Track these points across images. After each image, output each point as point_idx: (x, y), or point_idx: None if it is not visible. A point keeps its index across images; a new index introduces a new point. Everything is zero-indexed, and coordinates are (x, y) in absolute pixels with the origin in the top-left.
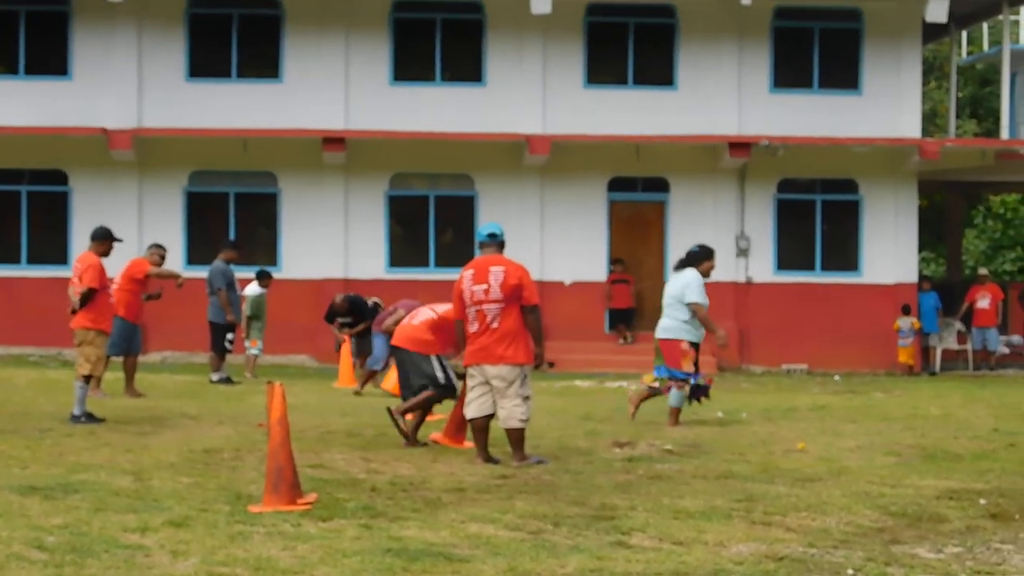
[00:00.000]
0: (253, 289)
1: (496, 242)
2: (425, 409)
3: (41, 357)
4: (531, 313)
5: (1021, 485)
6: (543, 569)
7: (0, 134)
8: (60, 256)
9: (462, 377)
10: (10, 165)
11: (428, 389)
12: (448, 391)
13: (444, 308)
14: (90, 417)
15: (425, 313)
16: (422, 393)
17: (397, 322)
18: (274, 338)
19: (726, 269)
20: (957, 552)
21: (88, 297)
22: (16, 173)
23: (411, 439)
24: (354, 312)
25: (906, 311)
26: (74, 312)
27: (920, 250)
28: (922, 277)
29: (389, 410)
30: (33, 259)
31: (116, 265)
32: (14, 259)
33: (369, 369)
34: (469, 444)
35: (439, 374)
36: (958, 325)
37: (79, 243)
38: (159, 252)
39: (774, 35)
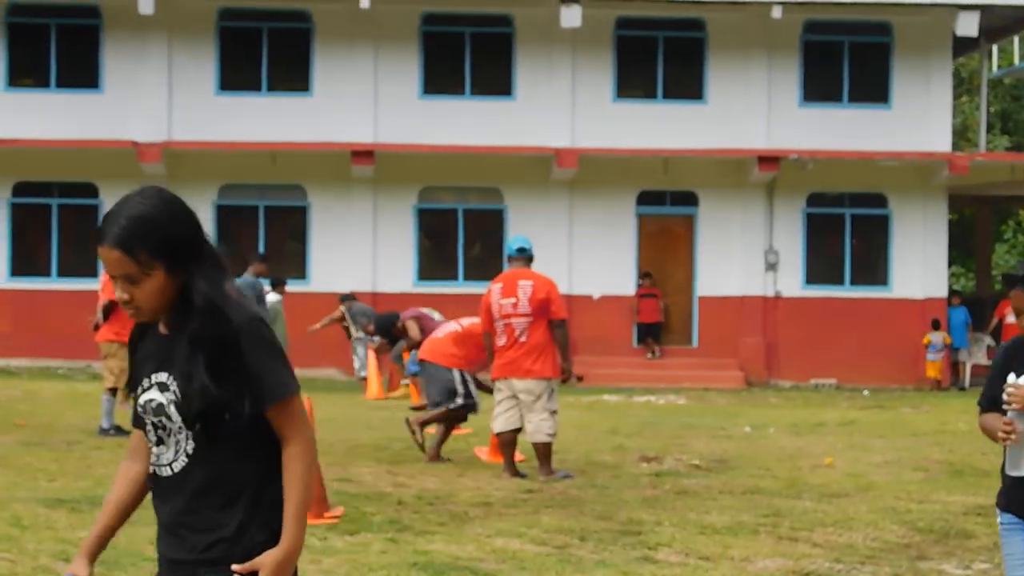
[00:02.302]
0: (270, 297)
1: (525, 256)
2: (448, 424)
3: (69, 370)
4: (559, 327)
5: None
6: None
7: (31, 147)
8: (90, 269)
9: (490, 391)
10: (41, 178)
11: (442, 405)
12: (467, 406)
13: (469, 322)
14: (118, 430)
15: (451, 327)
16: (437, 409)
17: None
18: (302, 351)
19: (754, 283)
20: (984, 568)
21: (110, 309)
22: (47, 186)
23: (432, 454)
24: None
25: (936, 326)
26: (97, 326)
27: (950, 265)
28: (953, 292)
29: (407, 420)
30: (63, 272)
31: None
32: (44, 272)
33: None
34: (520, 457)
35: (459, 388)
36: (988, 340)
37: None
38: None
39: (804, 49)
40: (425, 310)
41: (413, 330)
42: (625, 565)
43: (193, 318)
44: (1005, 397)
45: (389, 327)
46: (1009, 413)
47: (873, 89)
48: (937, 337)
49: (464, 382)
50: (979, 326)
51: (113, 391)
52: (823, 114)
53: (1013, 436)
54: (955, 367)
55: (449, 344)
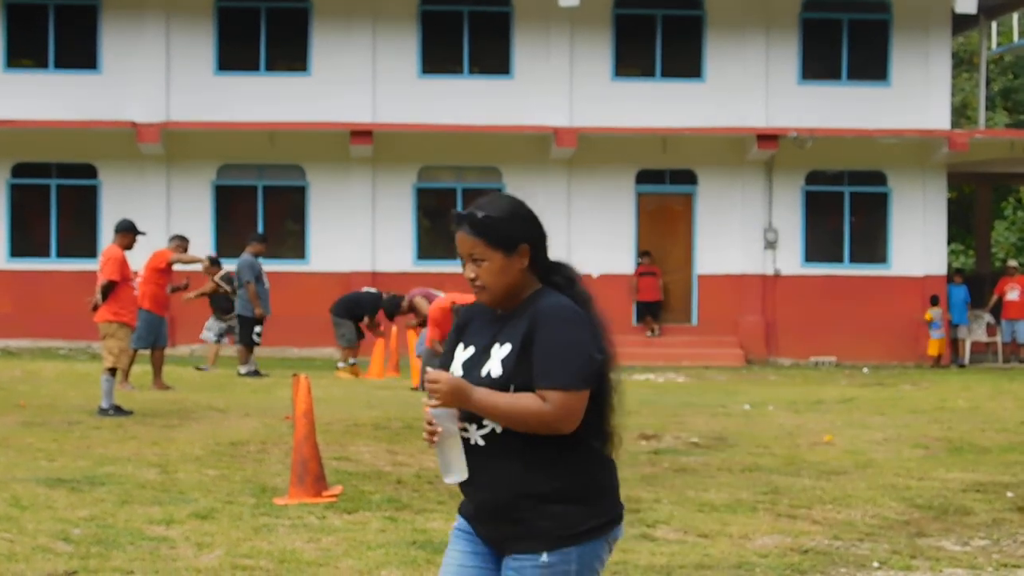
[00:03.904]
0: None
1: None
2: None
3: (70, 350)
4: None
5: None
6: None
7: (29, 128)
8: (89, 249)
9: None
10: (39, 159)
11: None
12: None
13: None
14: (118, 410)
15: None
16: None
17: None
18: (301, 331)
19: (754, 261)
20: (983, 545)
21: (109, 290)
22: (45, 167)
23: None
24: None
25: (935, 302)
26: (96, 306)
27: (949, 242)
28: (954, 270)
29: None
30: (62, 252)
31: (141, 258)
32: (44, 253)
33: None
34: None
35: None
36: (987, 317)
37: (108, 236)
38: (182, 244)
39: (802, 26)
40: (431, 291)
41: (422, 305)
42: (623, 543)
43: None
44: (427, 387)
45: (395, 308)
46: (431, 409)
47: (872, 67)
48: (936, 314)
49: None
50: (978, 303)
51: (112, 371)
52: (822, 92)
53: (435, 437)
54: (955, 344)
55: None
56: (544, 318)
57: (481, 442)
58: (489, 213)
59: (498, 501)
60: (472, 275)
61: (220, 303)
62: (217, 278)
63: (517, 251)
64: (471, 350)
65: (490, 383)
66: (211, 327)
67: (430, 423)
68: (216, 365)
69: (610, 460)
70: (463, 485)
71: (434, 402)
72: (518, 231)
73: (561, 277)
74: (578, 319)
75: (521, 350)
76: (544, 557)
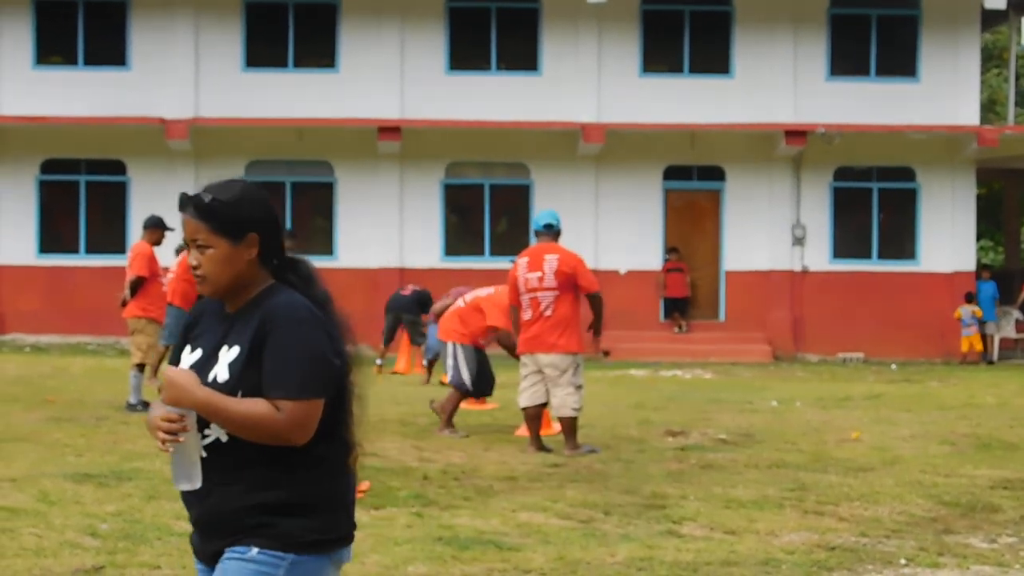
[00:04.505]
0: None
1: (552, 231)
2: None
3: (98, 346)
4: (596, 300)
5: None
6: (593, 558)
7: (59, 124)
8: (118, 246)
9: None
10: (69, 155)
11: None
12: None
13: (472, 296)
14: (145, 405)
15: (458, 303)
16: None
17: (446, 308)
18: None
19: (782, 258)
20: (1011, 542)
21: (137, 286)
22: (75, 163)
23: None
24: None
25: (969, 299)
26: (124, 302)
27: (978, 238)
28: (983, 266)
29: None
30: (91, 248)
31: (170, 254)
32: (73, 248)
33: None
34: (556, 429)
35: (448, 361)
36: (1016, 314)
37: (136, 232)
38: None
39: (831, 22)
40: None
41: (440, 302)
42: (650, 539)
43: None
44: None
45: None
46: (171, 407)
47: (901, 62)
48: (967, 311)
49: (454, 356)
50: (1007, 299)
51: (141, 367)
52: (851, 87)
53: (179, 437)
54: (983, 340)
55: (453, 319)
56: (275, 319)
57: (204, 453)
58: (217, 196)
59: (221, 514)
60: (195, 263)
61: None
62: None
63: (244, 240)
64: (198, 353)
65: (218, 389)
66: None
67: (171, 420)
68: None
69: (348, 473)
70: (187, 495)
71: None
72: (247, 218)
73: (296, 276)
74: (313, 320)
75: (250, 353)
76: (253, 551)
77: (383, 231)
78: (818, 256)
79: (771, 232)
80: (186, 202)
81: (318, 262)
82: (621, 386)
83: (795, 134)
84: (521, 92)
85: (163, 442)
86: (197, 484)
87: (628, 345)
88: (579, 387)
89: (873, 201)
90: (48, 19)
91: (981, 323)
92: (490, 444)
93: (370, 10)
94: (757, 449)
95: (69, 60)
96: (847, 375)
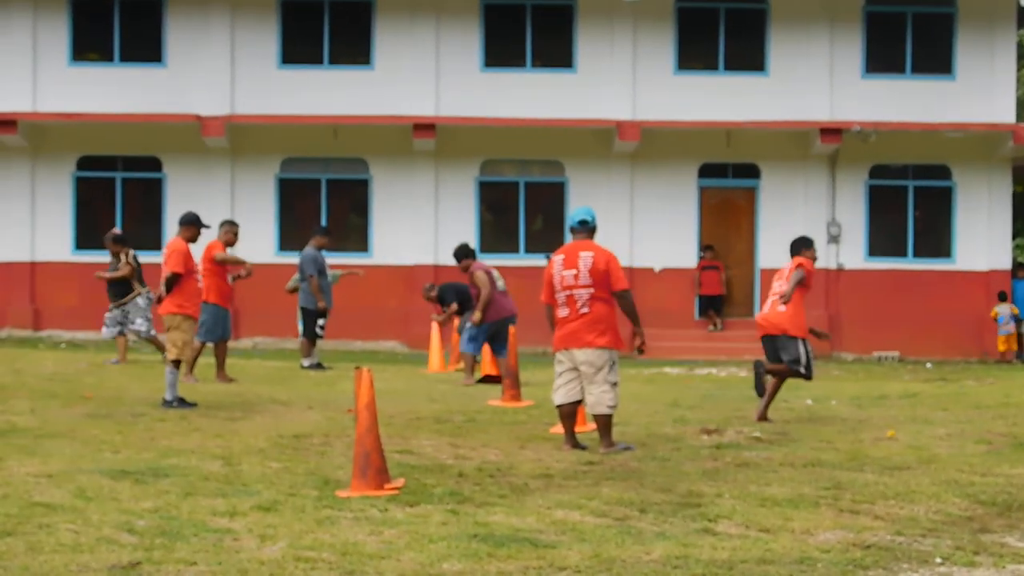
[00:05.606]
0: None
1: (587, 228)
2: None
3: (134, 343)
4: (622, 298)
5: None
6: (628, 556)
7: (95, 121)
8: (154, 242)
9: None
10: (105, 152)
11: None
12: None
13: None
14: (182, 402)
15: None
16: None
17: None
18: (364, 324)
19: (817, 255)
20: None
21: (173, 282)
22: (111, 160)
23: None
24: (442, 301)
25: (1003, 298)
26: (160, 299)
27: (1014, 236)
28: (1019, 264)
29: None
30: (127, 245)
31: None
32: None
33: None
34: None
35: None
36: None
37: (172, 229)
38: (232, 230)
39: (866, 20)
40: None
41: (482, 279)
42: (685, 537)
43: None
44: None
45: (464, 255)
46: None
47: (937, 60)
48: (1004, 309)
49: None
50: None
51: (177, 363)
52: (886, 85)
53: None
54: (1019, 339)
55: None
56: None
57: None
58: None
59: None
60: None
61: (115, 288)
62: (130, 258)
63: None
64: None
65: None
66: (108, 322)
67: None
68: (125, 359)
69: None
70: None
71: None
72: None
73: None
74: None
75: None
76: None
77: (418, 228)
78: (853, 254)
79: (806, 230)
80: None
81: (353, 259)
82: (656, 384)
83: (830, 132)
84: (556, 90)
85: None
86: None
87: (663, 343)
88: (615, 384)
89: (908, 199)
90: (84, 16)
91: (1017, 321)
92: (525, 442)
93: (405, 7)
94: (792, 447)
95: (105, 57)
96: (882, 374)
